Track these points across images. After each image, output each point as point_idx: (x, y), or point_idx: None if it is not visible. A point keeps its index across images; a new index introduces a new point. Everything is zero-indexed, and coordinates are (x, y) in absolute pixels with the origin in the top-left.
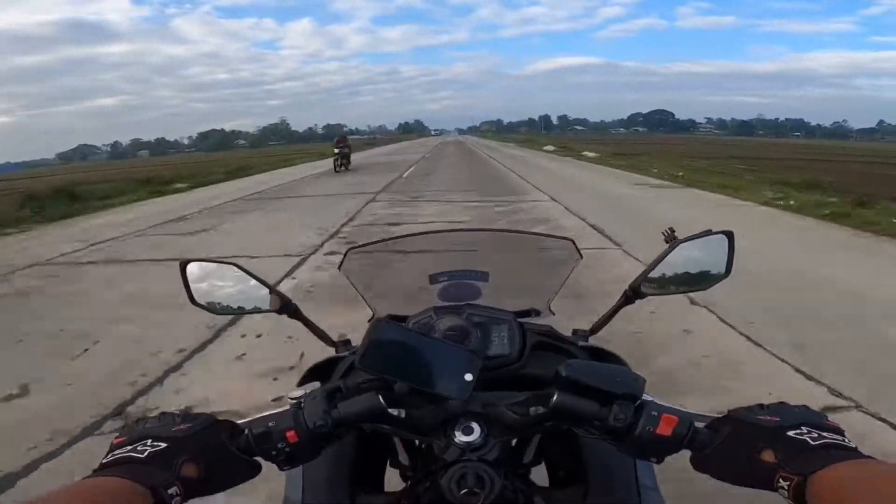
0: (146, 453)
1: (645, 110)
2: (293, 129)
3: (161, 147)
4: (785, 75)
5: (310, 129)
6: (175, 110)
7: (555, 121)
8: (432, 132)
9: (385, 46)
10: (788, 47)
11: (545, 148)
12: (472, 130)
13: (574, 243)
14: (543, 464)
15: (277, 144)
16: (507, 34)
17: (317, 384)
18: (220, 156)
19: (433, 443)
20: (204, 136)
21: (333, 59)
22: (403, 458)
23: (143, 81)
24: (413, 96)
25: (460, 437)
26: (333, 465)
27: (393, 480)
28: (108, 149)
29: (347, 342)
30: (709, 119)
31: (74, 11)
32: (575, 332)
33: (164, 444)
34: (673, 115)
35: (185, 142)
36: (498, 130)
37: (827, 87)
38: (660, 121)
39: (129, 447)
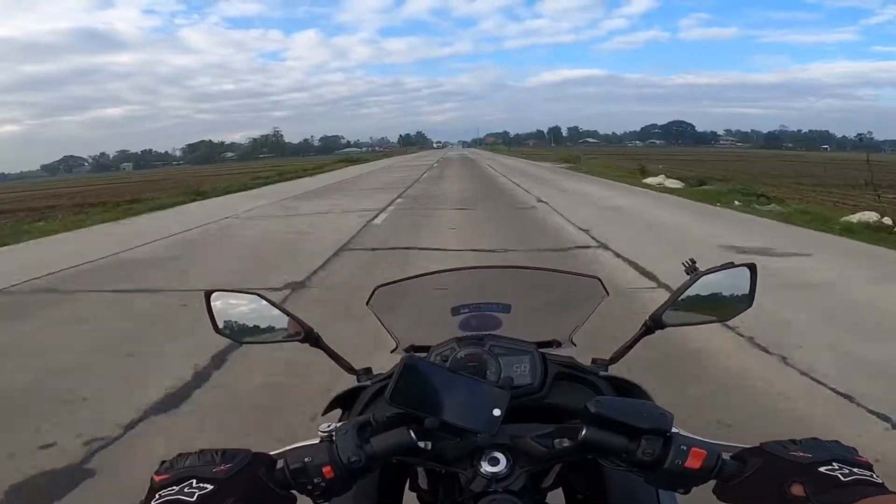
0: (195, 496)
1: (659, 122)
2: (287, 140)
3: (147, 159)
4: (800, 85)
5: (305, 140)
6: (181, 121)
7: (564, 132)
8: (434, 144)
9: (390, 58)
10: (795, 57)
11: (654, 181)
12: (477, 143)
13: (601, 282)
14: (560, 487)
15: (268, 157)
16: (511, 46)
17: (339, 412)
18: (188, 171)
19: (458, 472)
20: (193, 147)
21: (339, 71)
22: (423, 482)
23: (150, 91)
24: (417, 108)
25: (486, 468)
26: (359, 492)
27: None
28: (95, 161)
29: (369, 370)
30: (727, 131)
31: (85, 20)
32: (594, 361)
33: (210, 486)
34: (693, 126)
35: (178, 153)
36: (505, 142)
37: (843, 98)
38: (678, 133)
39: (175, 489)
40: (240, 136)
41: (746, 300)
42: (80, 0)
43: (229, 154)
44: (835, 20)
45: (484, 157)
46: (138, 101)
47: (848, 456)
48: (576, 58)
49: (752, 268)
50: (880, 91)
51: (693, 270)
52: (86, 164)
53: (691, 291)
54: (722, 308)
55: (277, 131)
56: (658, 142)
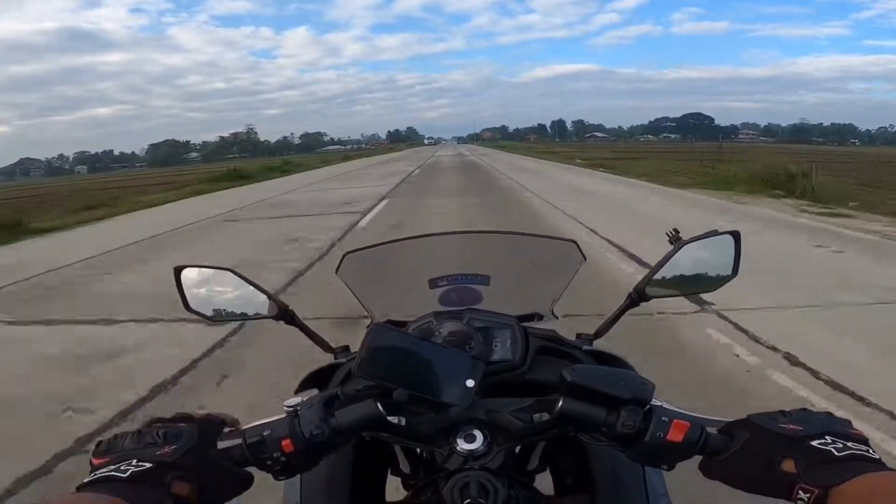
0: (129, 473)
1: (671, 114)
2: (264, 139)
3: (104, 161)
4: (790, 79)
5: (285, 138)
6: (172, 120)
7: (568, 126)
8: (425, 141)
9: (382, 55)
10: (787, 51)
11: None
12: (473, 138)
13: (577, 245)
14: (548, 471)
15: (238, 158)
16: (504, 41)
17: (315, 392)
18: (130, 175)
19: (435, 451)
20: (155, 147)
21: (331, 68)
22: (405, 466)
23: (140, 91)
24: (411, 104)
25: (462, 445)
26: (332, 473)
27: (393, 489)
28: (48, 163)
29: (346, 349)
30: (745, 123)
31: (72, 20)
32: (578, 335)
33: (148, 464)
34: (711, 119)
35: (143, 154)
36: (504, 137)
37: (835, 91)
38: (694, 126)
39: (112, 466)
40: (228, 134)
41: (731, 269)
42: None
43: (193, 154)
44: (825, 14)
45: (498, 161)
46: (128, 101)
47: (841, 429)
48: (569, 53)
49: (736, 235)
50: (872, 85)
51: (676, 240)
52: (43, 166)
53: (675, 261)
54: (706, 277)
55: (251, 129)
56: (673, 136)
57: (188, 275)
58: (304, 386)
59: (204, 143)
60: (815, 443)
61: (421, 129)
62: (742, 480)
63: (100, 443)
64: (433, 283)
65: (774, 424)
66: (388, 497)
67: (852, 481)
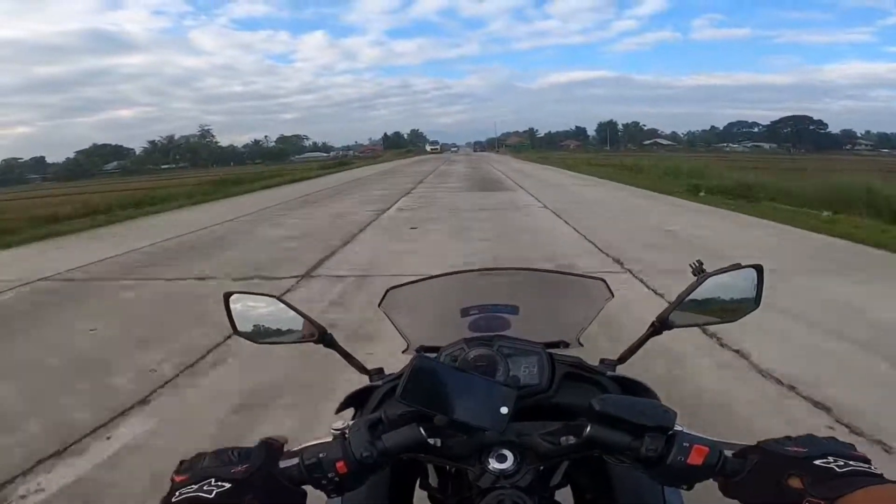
0: (213, 493)
1: (750, 118)
2: (227, 143)
3: (25, 170)
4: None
5: (256, 142)
6: (190, 122)
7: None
8: (427, 148)
9: (398, 59)
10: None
11: None
12: (495, 145)
13: (606, 283)
14: (569, 486)
15: (176, 168)
16: (519, 47)
17: (352, 411)
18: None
19: (467, 469)
20: (86, 154)
21: (347, 72)
22: (433, 480)
23: (159, 93)
24: (425, 109)
25: (494, 465)
26: (371, 489)
27: (419, 501)
28: None
29: (380, 371)
30: (845, 131)
31: (94, 22)
32: (602, 361)
33: (228, 485)
34: (823, 125)
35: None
36: (533, 144)
37: (858, 99)
38: (797, 133)
39: (194, 486)
40: (248, 138)
41: (753, 301)
42: (89, 1)
43: (112, 164)
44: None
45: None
46: (148, 103)
47: (844, 450)
48: (588, 58)
49: (759, 269)
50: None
51: (700, 272)
52: None
53: (698, 292)
54: (728, 308)
55: (206, 130)
56: (767, 146)
57: (237, 301)
58: (343, 406)
59: (124, 147)
60: (818, 462)
61: (433, 133)
62: (756, 498)
63: (182, 462)
64: (465, 312)
65: (781, 448)
66: None
67: (855, 493)
